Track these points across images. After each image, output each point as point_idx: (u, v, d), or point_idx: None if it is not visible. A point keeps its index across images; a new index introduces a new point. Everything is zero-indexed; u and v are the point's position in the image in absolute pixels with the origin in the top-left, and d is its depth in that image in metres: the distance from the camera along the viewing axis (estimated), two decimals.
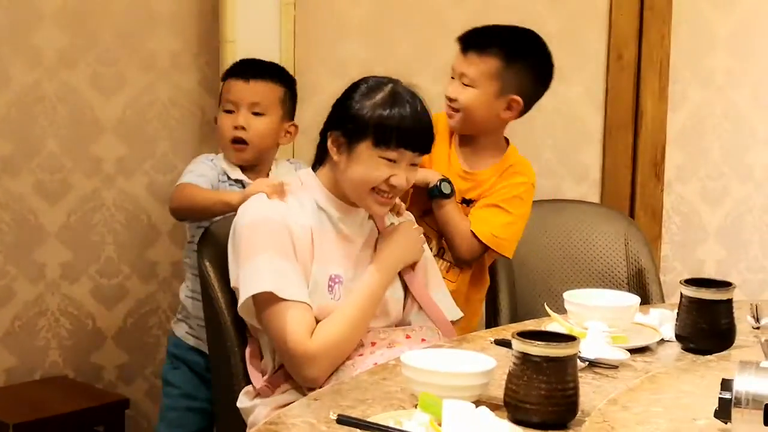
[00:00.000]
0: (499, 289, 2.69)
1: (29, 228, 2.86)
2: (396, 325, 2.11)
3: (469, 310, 2.41)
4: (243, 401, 2.07)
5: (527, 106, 2.48)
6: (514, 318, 2.64)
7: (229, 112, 2.48)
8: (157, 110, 2.96)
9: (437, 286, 2.21)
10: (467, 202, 2.45)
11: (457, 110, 2.44)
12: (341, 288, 2.02)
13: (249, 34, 2.86)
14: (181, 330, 2.59)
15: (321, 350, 1.93)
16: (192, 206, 2.41)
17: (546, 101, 3.24)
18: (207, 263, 2.21)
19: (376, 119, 2.00)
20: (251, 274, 1.96)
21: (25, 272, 2.87)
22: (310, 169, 2.16)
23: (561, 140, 3.31)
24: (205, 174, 2.46)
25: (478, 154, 2.48)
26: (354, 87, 2.08)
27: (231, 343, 2.15)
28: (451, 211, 2.38)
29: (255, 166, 2.52)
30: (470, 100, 2.41)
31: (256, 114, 2.47)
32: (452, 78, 2.46)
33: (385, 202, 2.05)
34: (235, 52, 2.84)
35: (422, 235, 2.20)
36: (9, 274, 2.85)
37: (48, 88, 2.83)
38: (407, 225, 2.17)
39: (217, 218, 2.35)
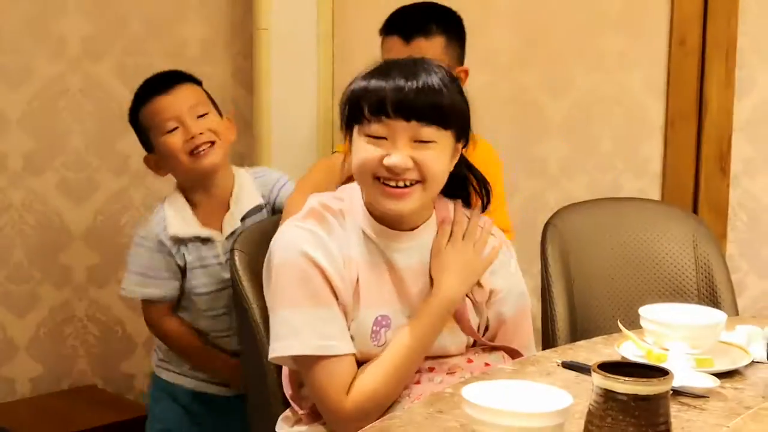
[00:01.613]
0: (554, 294, 2.47)
1: (54, 230, 2.70)
2: None
3: None
4: (282, 427, 1.87)
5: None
6: (573, 327, 2.43)
7: (173, 131, 2.20)
8: None
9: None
10: None
11: None
12: (388, 333, 1.74)
13: (284, 21, 2.68)
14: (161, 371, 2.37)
15: (356, 410, 1.68)
16: (167, 342, 2.30)
17: (603, 89, 3.06)
18: (240, 272, 2.03)
19: (351, 92, 1.69)
20: (279, 330, 1.72)
21: (50, 276, 2.72)
22: (356, 185, 1.78)
23: (619, 131, 3.09)
24: (158, 274, 2.24)
25: None
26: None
27: (267, 360, 1.97)
28: None
29: (207, 183, 2.24)
30: None
31: (200, 117, 2.21)
32: None
33: (395, 193, 1.67)
34: (269, 41, 2.66)
35: (487, 242, 1.83)
36: (34, 279, 2.70)
37: (72, 80, 2.66)
38: (462, 241, 1.79)
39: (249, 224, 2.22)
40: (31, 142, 2.66)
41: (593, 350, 1.79)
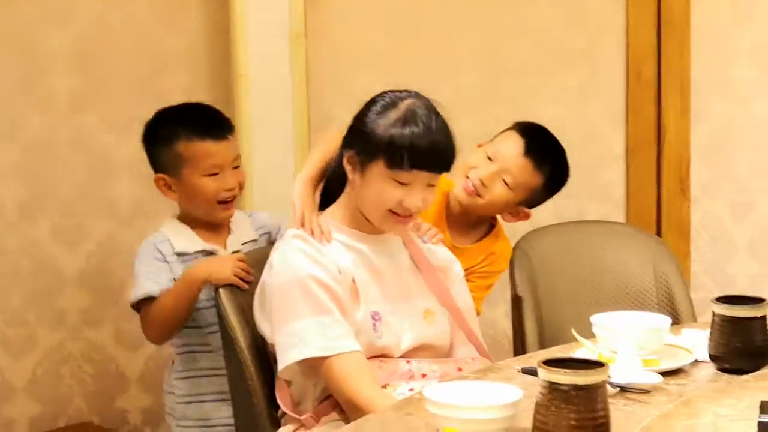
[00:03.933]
0: (525, 314, 2.61)
1: (48, 274, 2.83)
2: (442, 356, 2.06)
3: None
4: None
5: None
6: (542, 344, 2.57)
7: (212, 175, 2.36)
8: None
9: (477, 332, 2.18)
10: None
11: (481, 196, 2.43)
12: (381, 326, 1.97)
13: (261, 68, 2.84)
14: None
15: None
16: (166, 326, 2.34)
17: (566, 121, 3.22)
18: (224, 301, 2.17)
19: (388, 140, 1.91)
20: (285, 342, 1.91)
21: (45, 319, 2.84)
22: (323, 214, 2.08)
23: (583, 160, 3.23)
24: (156, 273, 2.34)
25: (467, 230, 2.51)
26: (371, 103, 2.01)
27: (253, 381, 2.10)
28: None
29: (214, 224, 2.44)
30: (500, 199, 2.43)
31: (235, 168, 2.41)
32: (489, 159, 2.42)
33: (403, 221, 1.98)
34: (248, 87, 2.82)
35: None
36: (29, 322, 2.82)
37: (61, 133, 2.81)
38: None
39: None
40: (24, 191, 2.79)
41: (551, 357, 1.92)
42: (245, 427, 2.18)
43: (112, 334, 2.91)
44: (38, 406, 2.84)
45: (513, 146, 2.42)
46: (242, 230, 2.46)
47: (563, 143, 3.19)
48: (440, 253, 2.15)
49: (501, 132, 2.50)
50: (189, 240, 2.39)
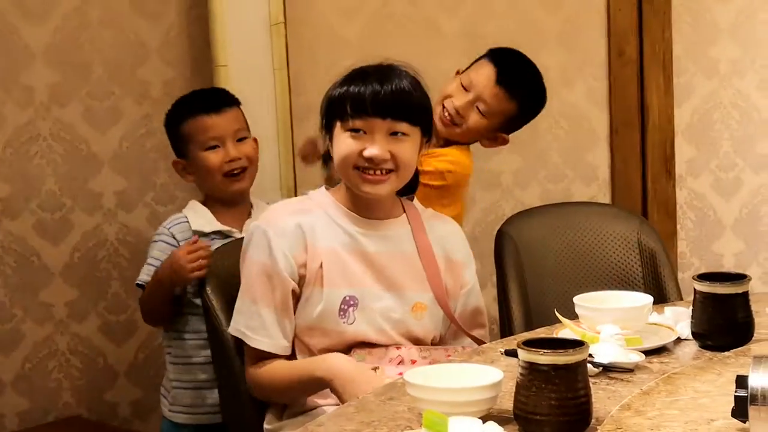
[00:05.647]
0: (511, 297, 2.62)
1: (33, 269, 2.83)
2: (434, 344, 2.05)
3: None
4: (271, 421, 2.03)
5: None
6: (528, 326, 2.57)
7: (213, 148, 2.44)
8: (153, 141, 2.92)
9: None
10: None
11: (457, 125, 2.43)
12: (356, 311, 1.94)
13: (241, 57, 2.82)
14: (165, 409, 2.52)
15: (255, 382, 1.99)
16: (150, 316, 2.46)
17: (549, 103, 3.20)
18: (211, 296, 2.17)
19: (333, 95, 1.96)
20: (236, 312, 2.00)
21: (31, 314, 2.83)
22: (323, 187, 2.08)
23: (567, 142, 3.25)
24: (161, 260, 2.41)
25: None
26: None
27: (236, 365, 2.10)
28: None
29: (236, 205, 2.50)
30: (476, 127, 2.44)
31: (240, 140, 2.48)
32: (464, 88, 2.42)
33: (372, 179, 1.93)
34: (228, 76, 2.80)
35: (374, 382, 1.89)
36: (16, 317, 2.82)
37: (42, 126, 2.80)
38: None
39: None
40: (6, 186, 2.79)
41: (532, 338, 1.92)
42: (231, 412, 2.18)
43: (99, 327, 2.92)
44: (26, 401, 2.85)
45: (486, 75, 2.42)
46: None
47: (546, 125, 3.22)
48: (459, 251, 2.12)
49: (476, 60, 2.49)
50: (206, 220, 2.45)
